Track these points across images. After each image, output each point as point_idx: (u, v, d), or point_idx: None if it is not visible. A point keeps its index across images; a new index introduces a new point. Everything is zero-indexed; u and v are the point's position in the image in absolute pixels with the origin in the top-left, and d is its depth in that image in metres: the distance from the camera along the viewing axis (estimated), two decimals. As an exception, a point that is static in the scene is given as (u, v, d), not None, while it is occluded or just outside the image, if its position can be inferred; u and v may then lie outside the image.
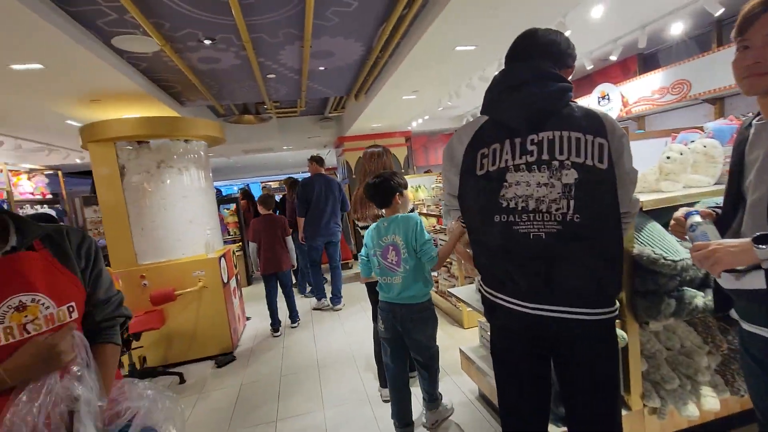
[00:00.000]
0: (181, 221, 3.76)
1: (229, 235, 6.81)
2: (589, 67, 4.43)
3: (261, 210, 4.23)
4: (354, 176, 7.63)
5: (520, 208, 1.15)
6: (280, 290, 4.31)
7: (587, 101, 5.07)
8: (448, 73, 4.21)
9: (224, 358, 3.66)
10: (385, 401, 2.67)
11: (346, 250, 7.08)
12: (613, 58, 4.18)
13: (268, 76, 4.09)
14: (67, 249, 1.08)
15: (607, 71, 5.51)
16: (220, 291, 3.75)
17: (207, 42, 3.06)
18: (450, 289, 2.53)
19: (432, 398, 2.32)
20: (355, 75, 4.44)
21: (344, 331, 4.09)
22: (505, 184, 1.17)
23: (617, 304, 1.22)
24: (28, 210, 5.83)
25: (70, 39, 2.49)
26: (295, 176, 8.39)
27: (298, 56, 3.59)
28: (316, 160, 4.68)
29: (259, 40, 3.15)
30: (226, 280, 3.92)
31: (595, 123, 1.12)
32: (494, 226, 1.19)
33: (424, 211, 4.79)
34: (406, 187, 2.15)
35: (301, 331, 4.31)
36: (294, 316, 4.42)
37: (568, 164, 1.11)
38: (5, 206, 5.29)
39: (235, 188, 14.47)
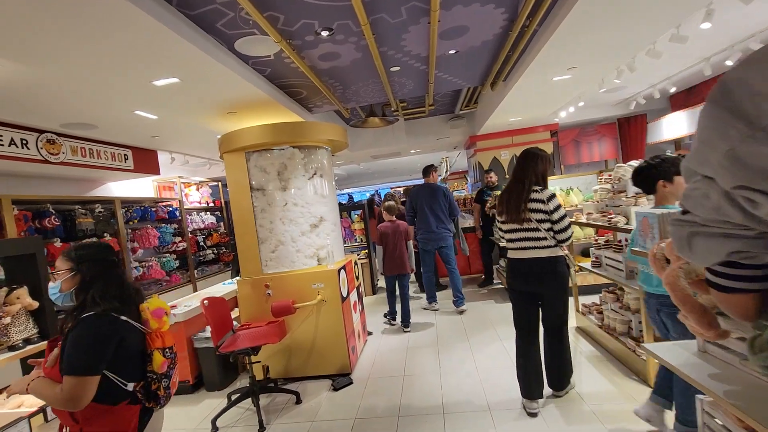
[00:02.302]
0: (302, 230, 3.61)
1: (356, 242, 6.74)
2: None
3: (386, 216, 4.57)
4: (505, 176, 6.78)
5: None
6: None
7: None
8: (623, 38, 3.12)
9: (341, 381, 3.35)
10: None
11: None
12: None
13: (392, 69, 3.67)
14: None
15: None
16: (338, 306, 3.46)
17: (324, 33, 2.77)
18: (646, 345, 1.59)
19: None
20: (493, 56, 3.69)
21: (476, 366, 3.37)
22: None
23: None
24: (195, 216, 6.75)
25: (198, 49, 2.46)
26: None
27: (424, 39, 3.06)
28: (424, 172, 5.11)
29: (379, 23, 2.72)
30: (345, 295, 3.62)
31: None
32: None
33: (583, 219, 3.71)
34: (677, 173, 1.93)
35: (425, 354, 3.76)
36: (406, 321, 4.48)
37: None
38: (177, 213, 6.18)
39: (367, 194, 14.95)
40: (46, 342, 2.50)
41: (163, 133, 4.54)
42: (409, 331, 4.41)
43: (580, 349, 3.46)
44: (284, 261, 3.58)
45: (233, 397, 3.14)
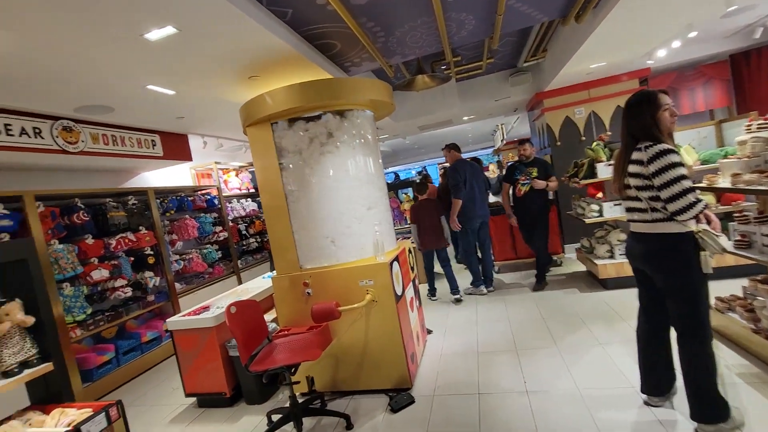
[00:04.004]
0: (344, 216, 2.94)
1: (407, 224, 6.03)
2: None
3: (418, 195, 4.74)
4: (606, 135, 5.08)
5: None
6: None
7: None
8: None
9: (400, 399, 2.70)
10: None
11: (555, 242, 5.32)
12: None
13: (448, -1, 2.82)
14: None
15: None
16: (392, 307, 2.79)
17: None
18: None
19: None
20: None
21: (575, 384, 2.56)
22: None
23: None
24: (235, 203, 6.37)
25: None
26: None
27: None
28: (454, 148, 4.80)
29: None
30: (400, 292, 2.94)
31: None
32: None
33: (724, 183, 2.68)
34: None
35: (502, 362, 3.00)
36: (455, 289, 4.57)
37: None
38: (216, 201, 5.81)
39: (413, 172, 14.12)
40: (48, 364, 2.10)
41: (188, 113, 4.06)
42: (460, 299, 4.55)
43: (724, 360, 2.53)
44: (325, 253, 2.94)
45: (273, 418, 2.63)
